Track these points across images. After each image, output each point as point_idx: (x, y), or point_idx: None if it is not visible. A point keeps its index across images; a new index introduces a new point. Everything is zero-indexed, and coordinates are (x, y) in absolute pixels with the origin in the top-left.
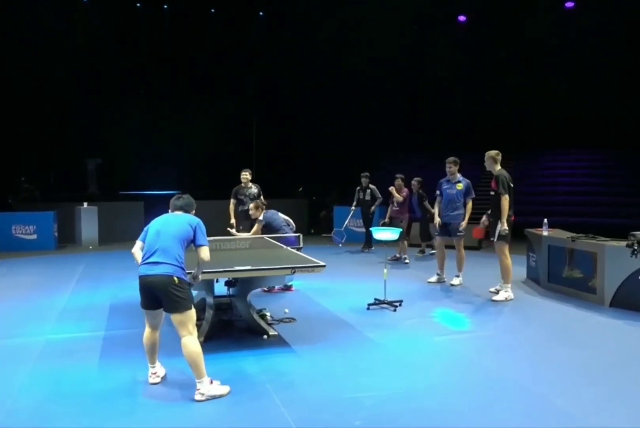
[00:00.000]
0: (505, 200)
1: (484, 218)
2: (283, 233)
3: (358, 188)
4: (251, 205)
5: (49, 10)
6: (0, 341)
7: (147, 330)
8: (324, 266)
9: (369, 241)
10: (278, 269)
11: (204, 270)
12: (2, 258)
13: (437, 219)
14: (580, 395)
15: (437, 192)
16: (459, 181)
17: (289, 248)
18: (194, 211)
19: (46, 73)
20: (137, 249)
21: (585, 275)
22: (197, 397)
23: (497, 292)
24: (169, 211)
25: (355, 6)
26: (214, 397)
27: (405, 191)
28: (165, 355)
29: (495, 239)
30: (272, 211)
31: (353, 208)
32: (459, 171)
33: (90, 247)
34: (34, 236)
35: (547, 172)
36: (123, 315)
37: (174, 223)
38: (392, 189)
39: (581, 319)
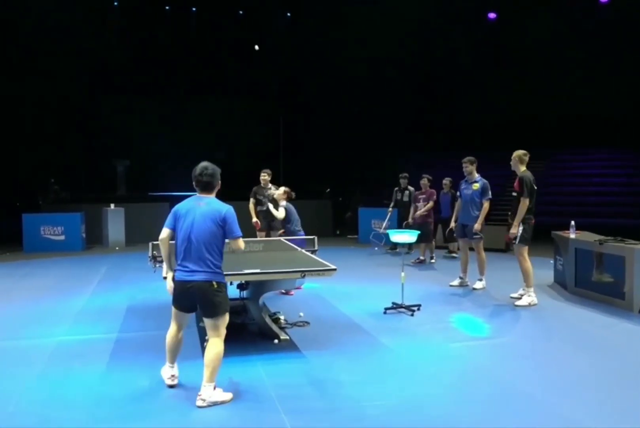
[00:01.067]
0: (525, 204)
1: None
2: (296, 228)
3: (396, 188)
4: (282, 189)
5: (74, 14)
6: (12, 342)
7: (172, 329)
8: (334, 269)
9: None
10: (287, 272)
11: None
12: (30, 259)
13: (453, 224)
14: (598, 410)
15: (458, 193)
16: (475, 181)
17: (302, 250)
18: (219, 182)
19: (74, 75)
20: (166, 239)
21: (614, 279)
22: (199, 403)
23: (520, 297)
24: (195, 186)
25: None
26: (215, 404)
27: (430, 191)
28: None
29: (517, 242)
30: (291, 205)
31: (390, 209)
32: (478, 170)
33: (117, 248)
34: (62, 237)
35: (577, 172)
36: (138, 318)
37: (201, 226)
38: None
39: (607, 326)
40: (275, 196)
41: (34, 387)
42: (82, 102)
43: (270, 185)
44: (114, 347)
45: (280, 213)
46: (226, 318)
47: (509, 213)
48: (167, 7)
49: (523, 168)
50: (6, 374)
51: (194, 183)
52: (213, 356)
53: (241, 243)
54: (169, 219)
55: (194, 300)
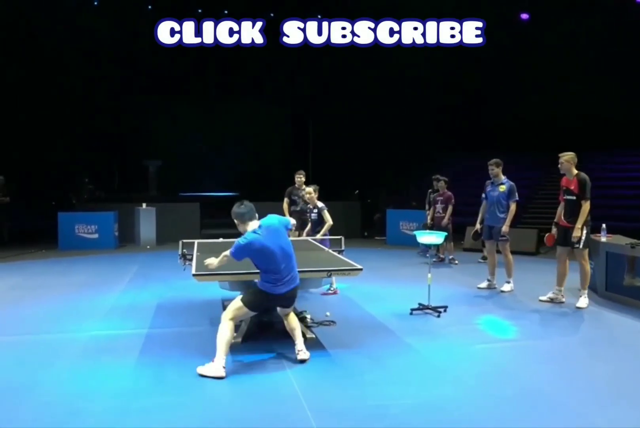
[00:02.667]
0: (588, 206)
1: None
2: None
3: (430, 190)
4: (310, 188)
5: (109, 16)
6: (46, 336)
7: (230, 324)
8: (360, 269)
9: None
10: (314, 271)
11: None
12: (65, 256)
13: (478, 226)
14: (627, 417)
15: (483, 195)
16: (502, 183)
17: (329, 250)
18: (257, 213)
19: (107, 76)
20: (225, 262)
21: None
22: (304, 356)
23: (551, 301)
24: (239, 223)
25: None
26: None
27: (448, 194)
28: (196, 355)
29: (581, 246)
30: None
31: (428, 211)
32: (504, 172)
33: (148, 247)
34: (96, 236)
35: (607, 174)
36: (167, 314)
37: (282, 242)
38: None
39: (638, 331)
40: (306, 198)
41: (67, 379)
42: (115, 102)
43: (304, 186)
44: (144, 342)
45: (330, 219)
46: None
47: (561, 215)
48: (199, 10)
49: (575, 170)
50: (41, 366)
51: (236, 220)
52: (296, 322)
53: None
54: (240, 254)
55: (284, 302)
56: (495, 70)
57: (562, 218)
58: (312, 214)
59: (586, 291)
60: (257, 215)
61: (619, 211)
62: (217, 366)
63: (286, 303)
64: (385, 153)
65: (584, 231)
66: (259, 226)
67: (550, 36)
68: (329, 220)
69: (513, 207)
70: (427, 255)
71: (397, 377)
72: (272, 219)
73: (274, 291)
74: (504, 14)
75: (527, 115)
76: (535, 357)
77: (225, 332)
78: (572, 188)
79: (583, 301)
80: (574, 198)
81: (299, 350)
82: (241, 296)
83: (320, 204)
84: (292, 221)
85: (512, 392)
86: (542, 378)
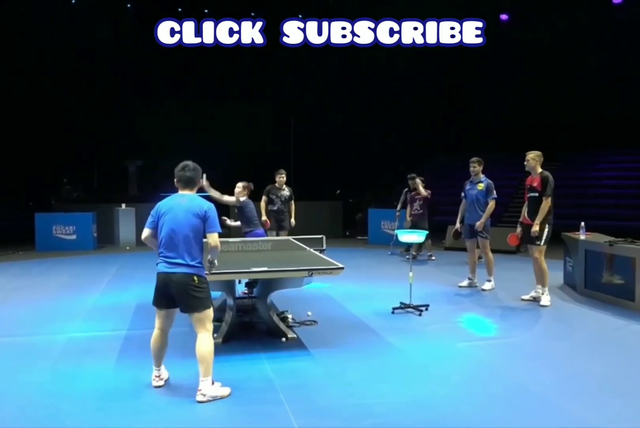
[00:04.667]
0: (548, 203)
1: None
2: (254, 224)
3: (406, 189)
4: (242, 184)
5: (97, 15)
6: (25, 338)
7: (156, 332)
8: (342, 268)
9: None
10: (295, 271)
11: (225, 270)
12: (42, 258)
13: (458, 225)
14: (609, 410)
15: (462, 194)
16: (480, 182)
17: (310, 249)
18: (201, 180)
19: (88, 76)
20: (150, 238)
21: (624, 281)
22: (199, 397)
23: (533, 299)
24: (176, 183)
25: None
26: (215, 398)
27: (425, 191)
28: (177, 356)
29: (542, 243)
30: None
31: (398, 212)
32: (483, 171)
33: (128, 248)
34: (74, 237)
35: (588, 174)
36: (146, 316)
37: (183, 219)
38: (418, 183)
39: (617, 328)
40: (235, 192)
41: (46, 380)
42: (95, 102)
43: (284, 186)
44: (123, 344)
45: (227, 198)
46: (210, 312)
47: (525, 213)
48: (179, 9)
49: (540, 169)
50: (20, 368)
51: (175, 180)
52: (204, 351)
53: (216, 237)
54: (150, 219)
55: (172, 293)
56: (477, 71)
57: (526, 216)
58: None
59: (546, 288)
60: (197, 186)
61: (602, 210)
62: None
63: (167, 298)
64: (369, 153)
65: (546, 229)
66: (188, 196)
67: (533, 37)
68: (223, 198)
69: (492, 204)
70: (389, 253)
71: (381, 375)
72: (204, 204)
73: (158, 269)
74: (484, 15)
75: (506, 116)
76: (518, 354)
77: (151, 341)
78: (535, 185)
79: (546, 299)
80: (537, 194)
81: (198, 390)
82: None
83: (242, 198)
84: (233, 223)
85: (496, 389)
86: (525, 374)
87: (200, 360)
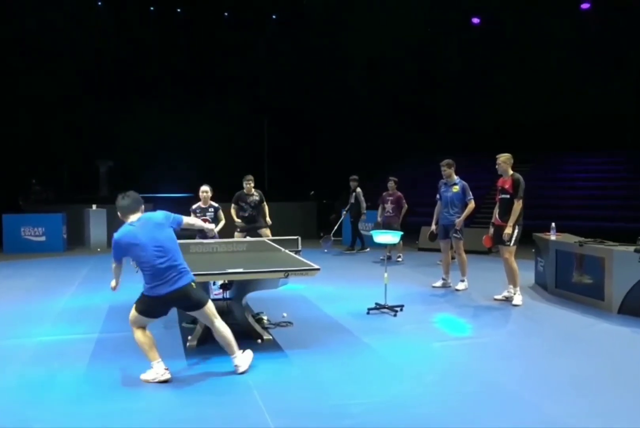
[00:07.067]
0: (520, 205)
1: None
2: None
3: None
4: (208, 187)
5: (64, 15)
6: None
7: (139, 331)
8: (318, 269)
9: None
10: (271, 272)
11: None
12: (11, 260)
13: (433, 227)
14: (580, 407)
15: (437, 196)
16: (455, 184)
17: (286, 250)
18: (142, 205)
19: (59, 76)
20: (118, 271)
21: (593, 280)
22: (241, 369)
23: (506, 299)
24: (122, 216)
25: (363, 8)
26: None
27: (398, 194)
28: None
29: (511, 244)
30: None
31: (345, 212)
32: (456, 173)
33: (99, 249)
34: (43, 238)
35: (565, 175)
36: (118, 318)
37: (159, 237)
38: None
39: (587, 326)
40: (201, 196)
41: (14, 386)
42: (66, 102)
43: (253, 191)
44: (94, 347)
45: (223, 218)
46: (211, 302)
47: (496, 215)
48: (151, 8)
49: (511, 171)
50: None
51: (120, 214)
52: (226, 333)
53: (188, 219)
54: (117, 253)
55: (174, 305)
56: (449, 72)
57: (497, 217)
58: (208, 214)
59: (518, 288)
60: (142, 207)
61: (572, 211)
62: (157, 370)
63: (181, 305)
64: (344, 154)
65: (515, 230)
66: (139, 218)
67: (504, 38)
68: (222, 219)
69: (471, 204)
70: (325, 250)
71: (356, 376)
72: (157, 213)
73: (153, 294)
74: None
75: (477, 117)
76: (492, 354)
77: (139, 339)
78: (507, 187)
79: (518, 299)
80: (508, 196)
81: (236, 366)
82: (135, 302)
83: (215, 204)
84: (209, 226)
85: (471, 388)
86: (500, 373)
87: (227, 343)
